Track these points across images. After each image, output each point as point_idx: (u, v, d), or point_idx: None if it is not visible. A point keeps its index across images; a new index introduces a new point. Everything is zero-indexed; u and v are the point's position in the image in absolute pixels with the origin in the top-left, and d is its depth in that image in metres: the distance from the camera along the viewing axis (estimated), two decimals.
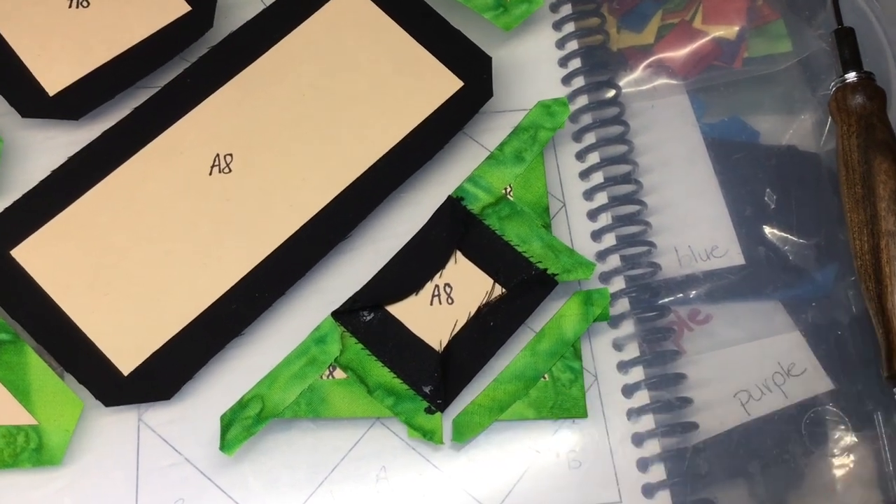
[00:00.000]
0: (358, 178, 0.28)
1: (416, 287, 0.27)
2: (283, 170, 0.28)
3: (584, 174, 0.30)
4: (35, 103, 0.28)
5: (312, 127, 0.29)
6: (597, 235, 0.29)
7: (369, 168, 0.28)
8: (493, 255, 0.28)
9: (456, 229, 0.27)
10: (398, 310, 0.27)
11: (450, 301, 0.27)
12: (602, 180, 0.30)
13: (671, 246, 0.30)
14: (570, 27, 0.32)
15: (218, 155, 0.28)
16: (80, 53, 0.29)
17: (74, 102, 0.28)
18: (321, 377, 0.26)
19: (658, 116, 0.32)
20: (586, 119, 0.31)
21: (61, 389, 0.26)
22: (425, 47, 0.30)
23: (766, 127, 0.32)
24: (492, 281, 0.27)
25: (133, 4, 0.29)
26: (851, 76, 0.30)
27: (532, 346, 0.27)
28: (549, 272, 0.27)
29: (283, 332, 0.27)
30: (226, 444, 0.25)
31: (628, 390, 0.27)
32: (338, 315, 0.26)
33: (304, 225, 0.27)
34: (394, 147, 0.28)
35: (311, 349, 0.26)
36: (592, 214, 0.29)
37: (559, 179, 0.30)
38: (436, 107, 0.29)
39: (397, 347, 0.26)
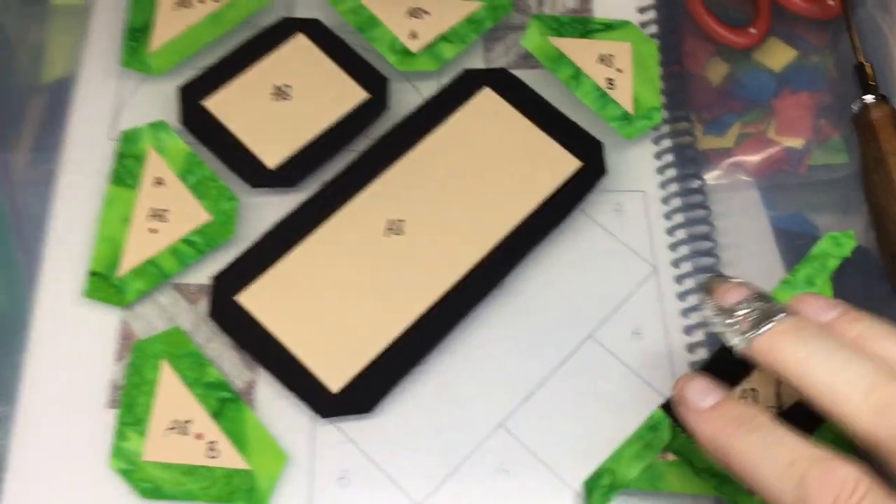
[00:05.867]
0: (501, 240, 0.35)
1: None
2: (443, 231, 0.35)
3: (673, 246, 0.37)
4: (260, 176, 0.36)
5: (463, 198, 0.36)
6: (682, 296, 0.36)
7: (510, 232, 0.35)
8: None
9: None
10: None
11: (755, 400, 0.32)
12: (688, 252, 0.37)
13: None
14: (665, 128, 0.39)
15: (390, 220, 0.35)
16: (288, 135, 0.36)
17: (290, 173, 0.36)
18: (657, 459, 0.31)
19: (734, 206, 0.38)
20: (676, 202, 0.38)
21: (270, 443, 0.31)
22: (549, 135, 0.37)
23: (824, 224, 0.39)
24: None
25: (323, 95, 0.37)
26: (869, 98, 0.38)
27: None
28: None
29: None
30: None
31: None
32: (665, 408, 0.32)
33: (458, 280, 0.34)
34: (527, 216, 0.35)
35: (645, 435, 0.32)
36: (679, 279, 0.36)
37: (650, 249, 0.37)
38: (560, 183, 0.36)
39: None
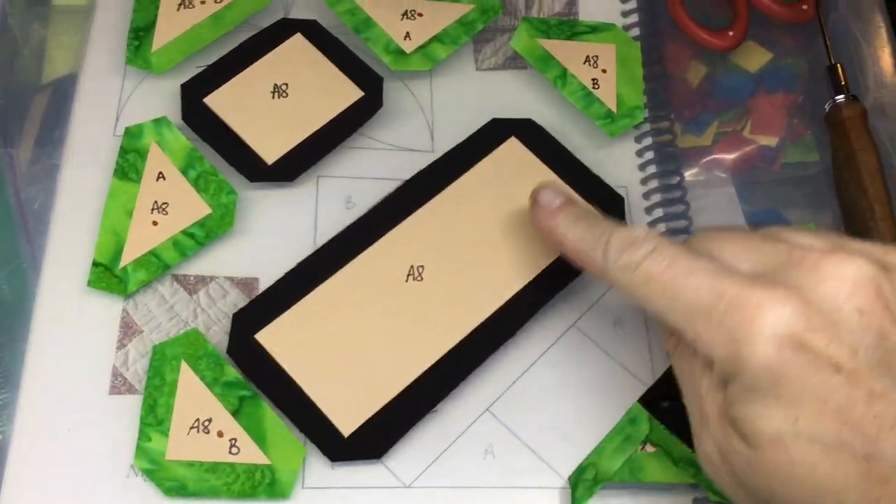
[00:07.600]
0: (522, 287, 0.35)
1: None
2: (462, 279, 0.35)
3: None
4: (258, 171, 0.37)
5: (483, 247, 0.36)
6: None
7: (533, 278, 0.35)
8: None
9: None
10: None
11: None
12: None
13: None
14: (646, 127, 0.41)
15: (412, 266, 0.35)
16: (286, 131, 0.37)
17: (287, 168, 0.37)
18: (637, 450, 0.33)
19: (712, 202, 0.40)
20: (656, 198, 0.39)
21: (289, 438, 0.32)
22: (567, 182, 0.37)
23: (796, 218, 0.41)
24: None
25: (320, 92, 0.38)
26: (840, 98, 0.40)
27: None
28: None
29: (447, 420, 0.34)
30: (576, 500, 0.32)
31: None
32: (642, 402, 0.34)
33: (478, 326, 0.34)
34: (545, 268, 0.35)
35: (626, 428, 0.33)
36: None
37: None
38: None
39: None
